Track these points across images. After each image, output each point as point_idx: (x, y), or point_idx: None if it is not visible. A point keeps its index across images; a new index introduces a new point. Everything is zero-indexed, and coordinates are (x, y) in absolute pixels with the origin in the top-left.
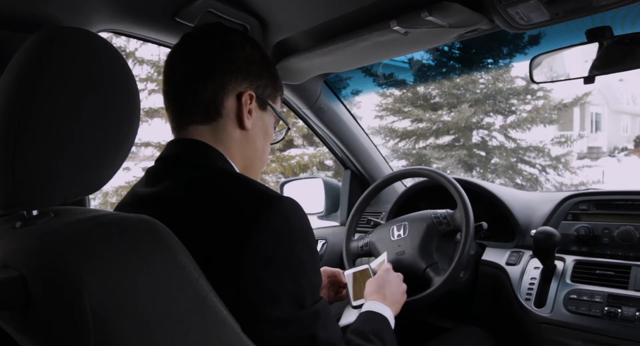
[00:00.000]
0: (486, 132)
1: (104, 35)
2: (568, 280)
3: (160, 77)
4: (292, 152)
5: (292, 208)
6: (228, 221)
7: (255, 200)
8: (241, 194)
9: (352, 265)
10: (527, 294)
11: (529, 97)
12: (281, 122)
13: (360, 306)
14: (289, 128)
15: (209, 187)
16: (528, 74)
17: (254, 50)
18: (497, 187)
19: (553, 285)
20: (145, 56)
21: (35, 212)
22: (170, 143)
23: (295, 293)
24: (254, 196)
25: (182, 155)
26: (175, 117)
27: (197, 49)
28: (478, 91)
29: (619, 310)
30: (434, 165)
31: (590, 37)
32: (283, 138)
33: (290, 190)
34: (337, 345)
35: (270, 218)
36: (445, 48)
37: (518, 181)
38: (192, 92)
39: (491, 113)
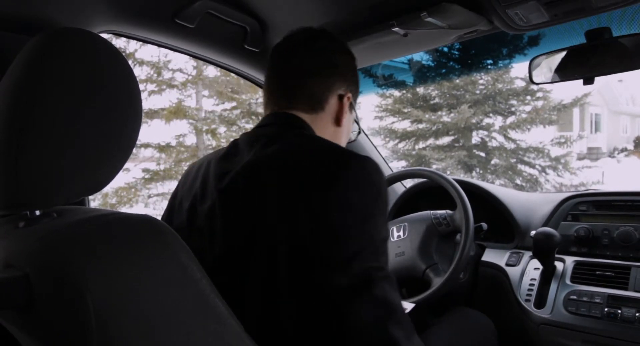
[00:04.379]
0: (486, 132)
1: (104, 36)
2: (568, 281)
3: (160, 79)
4: None
5: (374, 166)
6: (317, 169)
7: (343, 153)
8: (330, 149)
9: None
10: (527, 295)
11: (528, 97)
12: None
13: None
14: (360, 131)
15: (305, 145)
16: (527, 75)
17: (352, 58)
18: (497, 187)
19: (553, 286)
20: (145, 57)
21: (38, 212)
22: (272, 115)
23: (372, 237)
24: (342, 151)
25: (285, 123)
26: (278, 102)
27: (308, 49)
28: (477, 92)
29: (619, 311)
30: (434, 166)
31: (590, 38)
32: (355, 139)
33: None
34: (396, 302)
35: (355, 169)
36: (445, 49)
37: (518, 182)
38: (300, 85)
39: (491, 114)
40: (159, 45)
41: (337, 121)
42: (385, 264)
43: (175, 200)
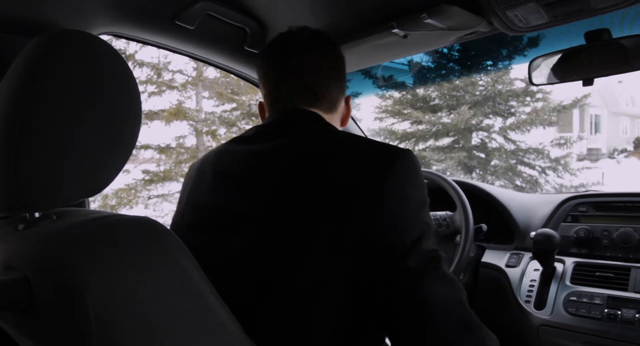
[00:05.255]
0: (486, 133)
1: (103, 37)
2: (568, 282)
3: (160, 80)
4: None
5: (416, 158)
6: (367, 164)
7: (389, 147)
8: (374, 145)
9: None
10: (527, 296)
11: (528, 98)
12: None
13: None
14: None
15: (349, 142)
16: (527, 76)
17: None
18: (497, 189)
19: (553, 287)
20: (145, 59)
21: (37, 215)
22: (297, 111)
23: (426, 226)
24: (387, 146)
25: (315, 120)
26: (298, 100)
27: (329, 52)
28: (477, 93)
29: (619, 312)
30: (434, 167)
31: (589, 39)
32: None
33: None
34: (456, 282)
35: (403, 162)
36: (445, 50)
37: (518, 183)
38: (324, 87)
39: (490, 115)
40: (159, 47)
41: (343, 122)
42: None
43: (182, 202)
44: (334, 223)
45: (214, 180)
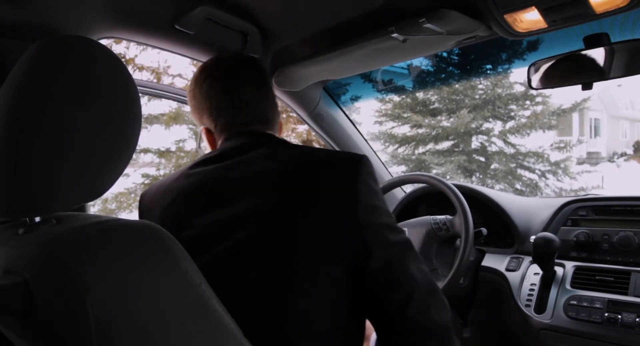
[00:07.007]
0: (485, 137)
1: (103, 41)
2: (568, 286)
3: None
4: None
5: (370, 162)
6: (340, 167)
7: (351, 153)
8: (338, 152)
9: None
10: (527, 300)
11: (527, 102)
12: None
13: None
14: None
15: (315, 150)
16: (526, 80)
17: None
18: (497, 192)
19: (553, 291)
20: (145, 63)
21: (37, 219)
22: (253, 134)
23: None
24: (348, 152)
25: (270, 139)
26: (255, 126)
27: (265, 80)
28: (477, 97)
29: (619, 316)
30: (434, 171)
31: (588, 44)
32: None
33: None
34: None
35: (365, 164)
36: (444, 54)
37: (517, 186)
38: (270, 111)
39: (490, 119)
40: (160, 49)
41: (279, 132)
42: None
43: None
44: (321, 222)
45: (189, 201)
